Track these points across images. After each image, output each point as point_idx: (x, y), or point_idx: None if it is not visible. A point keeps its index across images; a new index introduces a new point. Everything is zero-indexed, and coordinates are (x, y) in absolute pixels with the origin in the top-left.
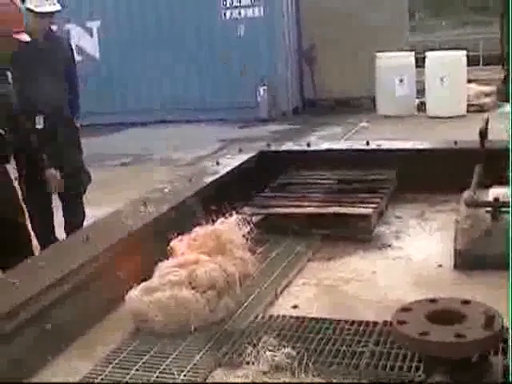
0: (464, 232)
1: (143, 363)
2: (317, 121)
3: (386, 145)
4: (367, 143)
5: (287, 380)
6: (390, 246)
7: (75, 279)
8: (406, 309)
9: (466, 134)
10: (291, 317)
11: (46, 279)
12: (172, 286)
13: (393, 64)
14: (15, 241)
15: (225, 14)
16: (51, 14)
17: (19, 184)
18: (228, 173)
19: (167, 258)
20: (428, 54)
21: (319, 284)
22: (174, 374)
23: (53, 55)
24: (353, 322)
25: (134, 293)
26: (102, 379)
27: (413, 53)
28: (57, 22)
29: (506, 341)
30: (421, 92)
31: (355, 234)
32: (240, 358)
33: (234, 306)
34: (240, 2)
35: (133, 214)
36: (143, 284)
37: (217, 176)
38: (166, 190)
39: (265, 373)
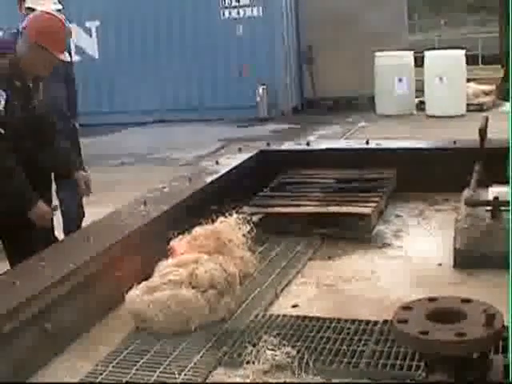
0: (464, 231)
1: (143, 363)
2: (316, 120)
3: (386, 144)
4: (367, 142)
5: (288, 379)
6: (389, 245)
7: (75, 279)
8: (406, 307)
9: (466, 133)
10: (291, 316)
11: (47, 279)
12: (172, 286)
13: (392, 63)
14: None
15: (223, 13)
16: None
17: None
18: (228, 172)
19: (167, 258)
20: (427, 53)
21: (319, 283)
22: (174, 374)
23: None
24: (353, 321)
25: (135, 292)
26: (102, 379)
27: (412, 52)
28: None
29: (506, 339)
30: (420, 91)
31: (355, 233)
32: (240, 357)
33: (234, 306)
34: (239, 2)
35: (132, 213)
36: (143, 283)
37: (216, 175)
38: (166, 190)
39: (265, 372)
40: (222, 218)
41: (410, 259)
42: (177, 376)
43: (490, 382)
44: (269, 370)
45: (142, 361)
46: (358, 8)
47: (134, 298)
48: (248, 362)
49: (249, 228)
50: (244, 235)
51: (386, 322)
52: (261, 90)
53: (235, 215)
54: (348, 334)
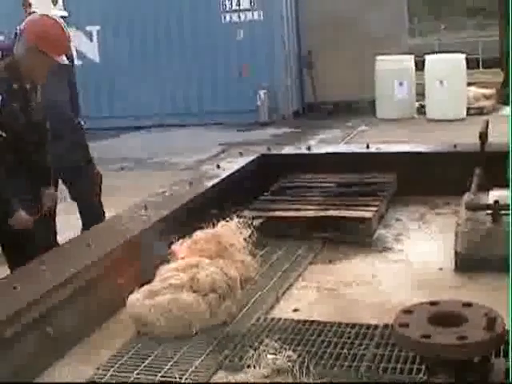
0: (464, 235)
1: (145, 367)
2: (317, 124)
3: (386, 148)
4: (367, 146)
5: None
6: (390, 248)
7: (76, 283)
8: (407, 311)
9: (466, 137)
10: (292, 320)
11: (48, 283)
12: (173, 290)
13: (392, 67)
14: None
15: (224, 17)
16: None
17: None
18: (228, 176)
19: (168, 262)
20: (427, 57)
21: (320, 287)
22: (175, 378)
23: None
24: (354, 325)
25: (136, 296)
26: (103, 382)
27: (412, 56)
28: None
29: (507, 343)
30: (420, 95)
31: (356, 237)
32: (241, 361)
33: (235, 310)
34: (239, 6)
35: (133, 217)
36: (144, 287)
37: (217, 180)
38: (166, 194)
39: (266, 376)
40: (222, 222)
41: (411, 263)
42: (178, 380)
43: None
44: (270, 374)
45: (143, 365)
46: (358, 12)
47: (134, 302)
48: (249, 366)
49: (249, 232)
50: (245, 239)
51: (386, 326)
52: (262, 94)
53: (236, 219)
54: (349, 337)
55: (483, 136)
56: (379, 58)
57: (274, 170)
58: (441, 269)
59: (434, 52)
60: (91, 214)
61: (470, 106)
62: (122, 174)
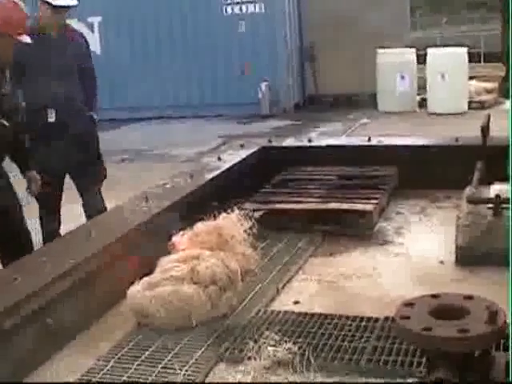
0: (465, 228)
1: (145, 358)
2: (318, 117)
3: (387, 141)
4: (369, 139)
5: (289, 376)
6: (391, 242)
7: (76, 275)
8: (408, 304)
9: (467, 131)
10: (293, 312)
11: (48, 275)
12: (174, 282)
13: (394, 60)
14: (15, 238)
15: (226, 9)
16: (66, 8)
17: None
18: (229, 168)
19: (169, 254)
20: (429, 50)
21: (321, 280)
22: (175, 369)
23: (65, 50)
24: (354, 318)
25: (136, 288)
26: (103, 374)
27: (414, 49)
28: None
29: (507, 336)
30: (422, 88)
31: (356, 230)
32: (242, 353)
33: (235, 302)
34: None
35: (134, 209)
36: (145, 279)
37: (218, 172)
38: (168, 186)
39: (266, 368)
40: (223, 214)
41: (412, 256)
42: (178, 372)
43: (493, 379)
44: (270, 367)
45: (143, 356)
46: (360, 5)
47: (135, 293)
48: (249, 358)
49: (250, 224)
50: (245, 231)
51: (387, 318)
52: (263, 87)
53: (237, 211)
54: (349, 330)
55: (485, 130)
56: (381, 51)
57: (274, 162)
58: (441, 262)
59: (435, 45)
60: (95, 207)
61: (472, 100)
62: (122, 165)
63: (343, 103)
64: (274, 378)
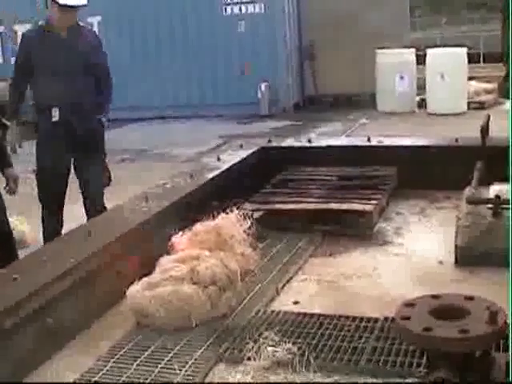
0: (465, 229)
1: (144, 358)
2: (317, 117)
3: (387, 141)
4: (368, 139)
5: (288, 376)
6: (390, 242)
7: (76, 274)
8: (409, 304)
9: (467, 131)
10: (292, 313)
11: (48, 274)
12: (174, 282)
13: (393, 61)
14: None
15: (225, 9)
16: (75, 8)
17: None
18: (229, 169)
19: (168, 254)
20: (429, 50)
21: (320, 280)
22: (175, 369)
23: (74, 50)
24: (354, 318)
25: (136, 288)
26: (103, 374)
27: (413, 49)
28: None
29: (507, 337)
30: (421, 89)
31: (356, 231)
32: (241, 353)
33: (235, 302)
34: None
35: (134, 209)
36: (145, 279)
37: (218, 172)
38: (168, 186)
39: (266, 368)
40: (223, 214)
41: (411, 256)
42: (177, 372)
43: (493, 379)
44: (269, 367)
45: (142, 356)
46: (360, 5)
47: (135, 293)
48: (249, 359)
49: (250, 224)
50: (245, 231)
51: (386, 319)
52: (263, 87)
53: (236, 211)
54: (349, 330)
55: (484, 130)
56: (380, 51)
57: (274, 162)
58: (441, 262)
59: (435, 46)
60: (95, 209)
61: (471, 101)
62: (122, 165)
63: (343, 103)
64: (273, 378)
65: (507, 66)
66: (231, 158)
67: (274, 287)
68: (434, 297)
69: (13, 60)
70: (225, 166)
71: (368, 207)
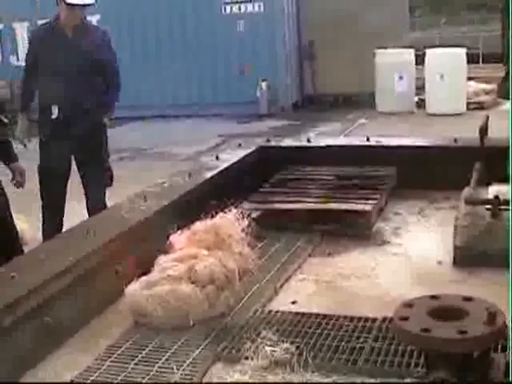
0: (463, 229)
1: (142, 357)
2: (316, 117)
3: (386, 141)
4: (367, 139)
5: (286, 375)
6: (389, 242)
7: (75, 273)
8: (407, 305)
9: (466, 132)
10: (290, 312)
11: (46, 272)
12: (172, 281)
13: (392, 61)
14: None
15: (225, 8)
16: (81, 6)
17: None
18: (227, 168)
19: (166, 253)
20: (428, 51)
21: (319, 280)
22: (172, 369)
23: (79, 48)
24: (352, 318)
25: (134, 287)
26: (100, 373)
27: (412, 50)
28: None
29: (506, 338)
30: (420, 89)
31: (355, 230)
32: (239, 352)
33: (233, 301)
34: None
35: (133, 207)
36: (143, 278)
37: (216, 171)
38: (166, 185)
39: (264, 368)
40: (221, 214)
41: (410, 257)
42: (175, 371)
43: (492, 380)
44: (267, 366)
45: (140, 355)
46: (359, 5)
47: (133, 292)
48: (247, 358)
49: (248, 224)
50: (243, 231)
51: (385, 319)
52: (263, 86)
53: (235, 211)
54: (347, 330)
55: (483, 131)
56: (379, 51)
57: (273, 161)
58: (439, 263)
59: (434, 46)
60: (96, 207)
61: (470, 101)
62: (121, 164)
63: (342, 103)
64: (271, 378)
65: (507, 67)
66: (230, 157)
67: (273, 287)
68: (433, 297)
69: (12, 58)
70: (224, 165)
71: (367, 207)
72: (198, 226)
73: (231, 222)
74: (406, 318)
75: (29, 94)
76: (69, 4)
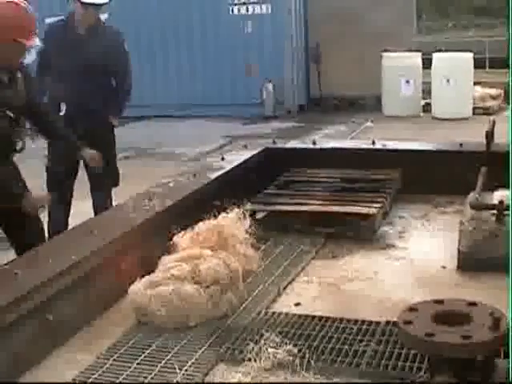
0: (468, 234)
1: (145, 357)
2: (322, 119)
3: (391, 145)
4: (373, 143)
5: (288, 377)
6: (393, 246)
7: (78, 272)
8: (411, 309)
9: (471, 136)
10: (293, 314)
11: (49, 271)
12: (175, 281)
13: (399, 64)
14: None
15: (232, 10)
16: (96, 5)
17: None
18: (233, 169)
19: (170, 253)
20: (435, 55)
21: (322, 282)
22: (175, 369)
23: (88, 49)
24: (355, 321)
25: (137, 286)
26: (102, 372)
27: (419, 53)
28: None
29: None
30: (426, 93)
31: (359, 234)
32: (242, 354)
33: (236, 302)
34: None
35: (137, 207)
36: (146, 278)
37: (221, 172)
38: (171, 185)
39: (266, 369)
40: (225, 214)
41: (414, 260)
42: (177, 371)
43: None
44: (270, 368)
45: (143, 355)
46: (366, 8)
47: (136, 291)
48: (249, 360)
49: (252, 225)
50: (247, 232)
51: (388, 322)
52: (269, 87)
53: (238, 211)
54: (350, 333)
55: (489, 135)
56: (386, 54)
57: (278, 163)
58: (443, 267)
59: (440, 50)
60: (101, 206)
61: (476, 106)
62: (126, 163)
63: (347, 106)
64: (273, 380)
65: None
66: (235, 158)
67: (276, 288)
68: (437, 302)
69: None
70: (229, 166)
71: (371, 210)
72: (202, 226)
73: (235, 223)
74: (410, 322)
75: (40, 92)
76: (83, 3)
